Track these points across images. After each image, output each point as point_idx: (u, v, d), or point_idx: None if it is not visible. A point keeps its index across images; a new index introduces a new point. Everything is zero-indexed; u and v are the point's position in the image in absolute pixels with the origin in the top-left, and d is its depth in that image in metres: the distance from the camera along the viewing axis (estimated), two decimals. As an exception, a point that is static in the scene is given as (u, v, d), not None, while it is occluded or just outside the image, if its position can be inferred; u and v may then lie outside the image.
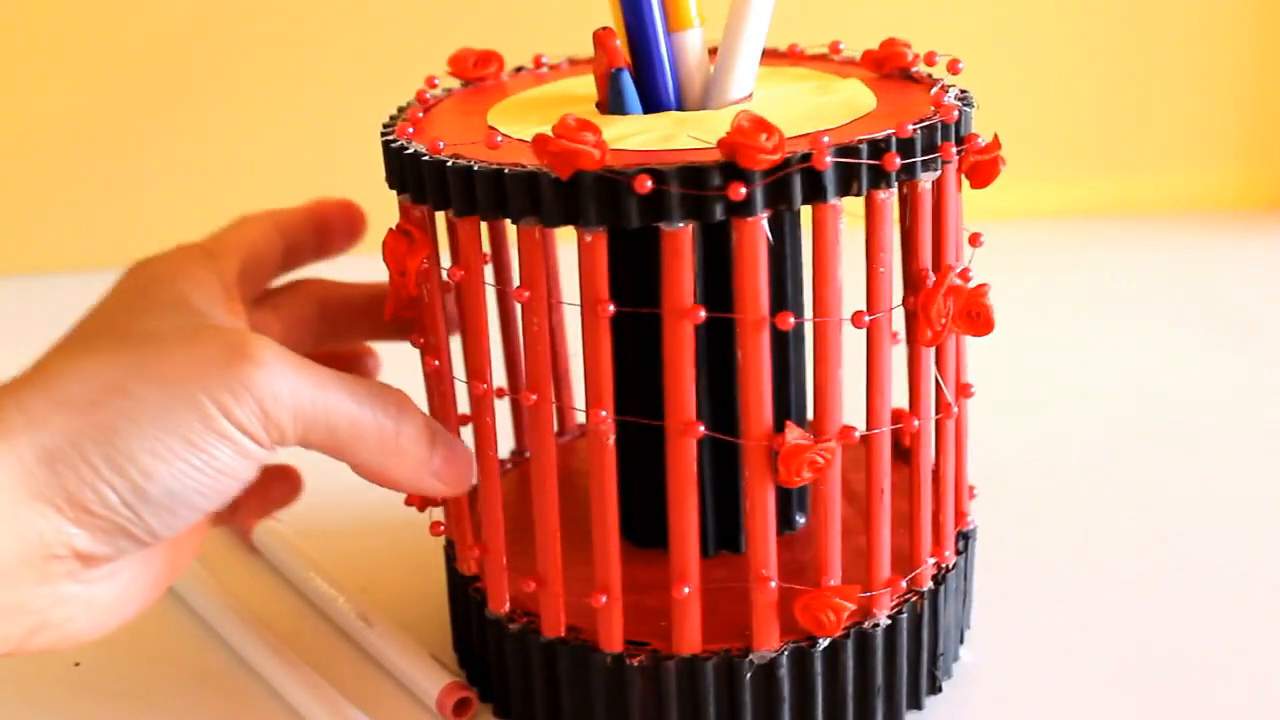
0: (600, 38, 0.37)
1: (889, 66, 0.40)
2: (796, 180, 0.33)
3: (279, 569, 0.48)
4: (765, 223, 0.33)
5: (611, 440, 0.35)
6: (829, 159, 0.32)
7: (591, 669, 0.37)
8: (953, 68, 0.38)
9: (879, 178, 0.34)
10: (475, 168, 0.34)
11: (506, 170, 0.33)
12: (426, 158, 0.35)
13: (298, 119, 0.80)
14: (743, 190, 0.32)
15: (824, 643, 0.37)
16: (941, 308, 0.36)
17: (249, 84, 0.80)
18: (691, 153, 0.34)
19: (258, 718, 0.41)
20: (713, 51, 0.39)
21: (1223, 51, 0.85)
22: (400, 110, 0.41)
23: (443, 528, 0.41)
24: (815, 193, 0.33)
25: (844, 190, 0.33)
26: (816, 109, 0.37)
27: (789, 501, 0.42)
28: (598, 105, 0.39)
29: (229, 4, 0.79)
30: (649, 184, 0.32)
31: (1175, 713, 0.40)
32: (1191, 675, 0.42)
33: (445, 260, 0.37)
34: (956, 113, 0.35)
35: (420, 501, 0.40)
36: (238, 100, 0.80)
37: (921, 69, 0.40)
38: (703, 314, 0.33)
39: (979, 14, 0.81)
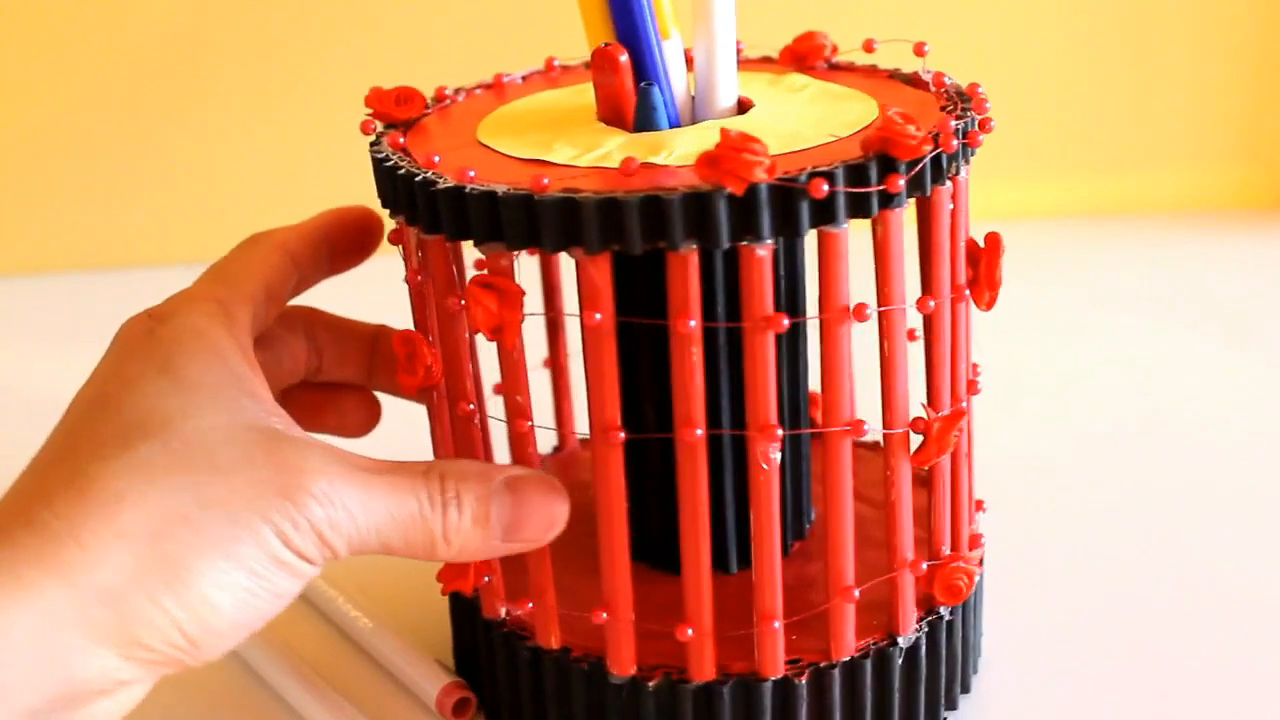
0: (610, 54, 0.36)
1: (810, 61, 0.41)
2: (928, 171, 0.34)
3: (279, 569, 0.48)
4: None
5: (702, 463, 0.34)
6: (955, 142, 0.34)
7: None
8: (918, 50, 0.38)
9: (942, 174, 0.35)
10: (621, 197, 0.32)
11: (675, 195, 0.31)
12: (550, 197, 0.32)
13: (298, 119, 0.80)
14: (901, 183, 0.32)
15: (906, 641, 0.37)
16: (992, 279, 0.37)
17: (250, 84, 0.80)
18: (815, 153, 0.34)
19: (258, 718, 0.41)
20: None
21: (1223, 51, 0.85)
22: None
23: None
24: (936, 178, 0.34)
25: (938, 180, 0.35)
26: (828, 116, 0.37)
27: (798, 518, 0.42)
28: (602, 120, 0.38)
29: (229, 4, 0.79)
30: (824, 188, 0.32)
31: (1189, 715, 0.40)
32: (1195, 671, 0.42)
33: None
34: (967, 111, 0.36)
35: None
36: (238, 100, 0.80)
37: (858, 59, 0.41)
38: (785, 322, 0.33)
39: (978, 14, 0.81)
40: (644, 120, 0.37)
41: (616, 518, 0.35)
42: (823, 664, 0.36)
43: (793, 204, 0.32)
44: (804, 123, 0.37)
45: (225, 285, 0.37)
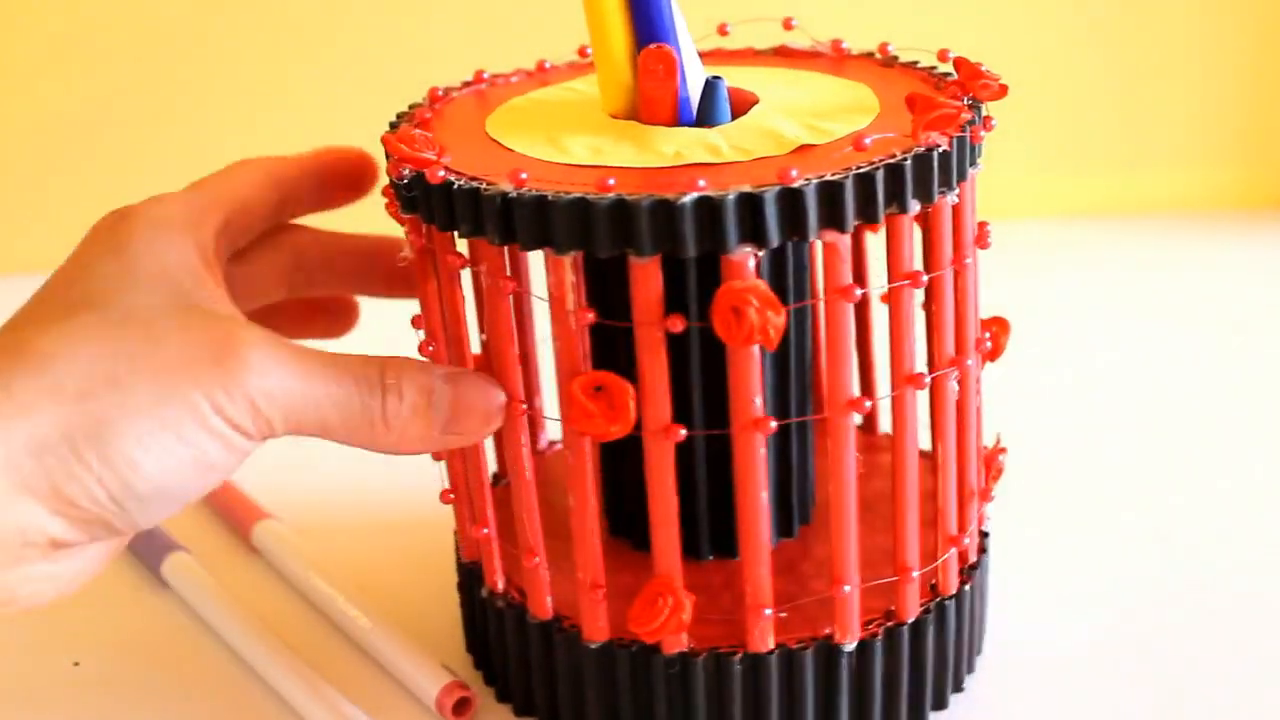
0: (667, 53, 0.36)
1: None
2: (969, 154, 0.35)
3: (279, 569, 0.48)
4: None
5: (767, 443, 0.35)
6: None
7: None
8: (883, 50, 0.40)
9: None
10: (736, 195, 0.32)
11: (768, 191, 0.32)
12: (650, 201, 0.32)
13: (298, 118, 0.80)
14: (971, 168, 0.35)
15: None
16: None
17: (250, 84, 0.80)
18: (851, 144, 0.34)
19: (258, 718, 0.41)
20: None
21: (1223, 51, 0.85)
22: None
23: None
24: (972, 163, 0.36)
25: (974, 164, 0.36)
26: (842, 107, 0.38)
27: (789, 507, 0.42)
28: (618, 116, 0.38)
29: (230, 4, 0.79)
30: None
31: (1193, 705, 0.40)
32: (1199, 669, 0.42)
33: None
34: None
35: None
36: (238, 100, 0.80)
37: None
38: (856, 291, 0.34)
39: (978, 14, 0.81)
40: (709, 114, 0.37)
41: (665, 509, 0.35)
42: (822, 640, 0.37)
43: (872, 193, 0.33)
44: (825, 112, 0.37)
45: (198, 191, 0.39)
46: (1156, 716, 0.40)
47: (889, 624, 0.38)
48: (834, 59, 0.42)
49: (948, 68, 0.39)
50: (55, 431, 0.31)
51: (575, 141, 0.36)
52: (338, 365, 0.34)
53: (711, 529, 0.41)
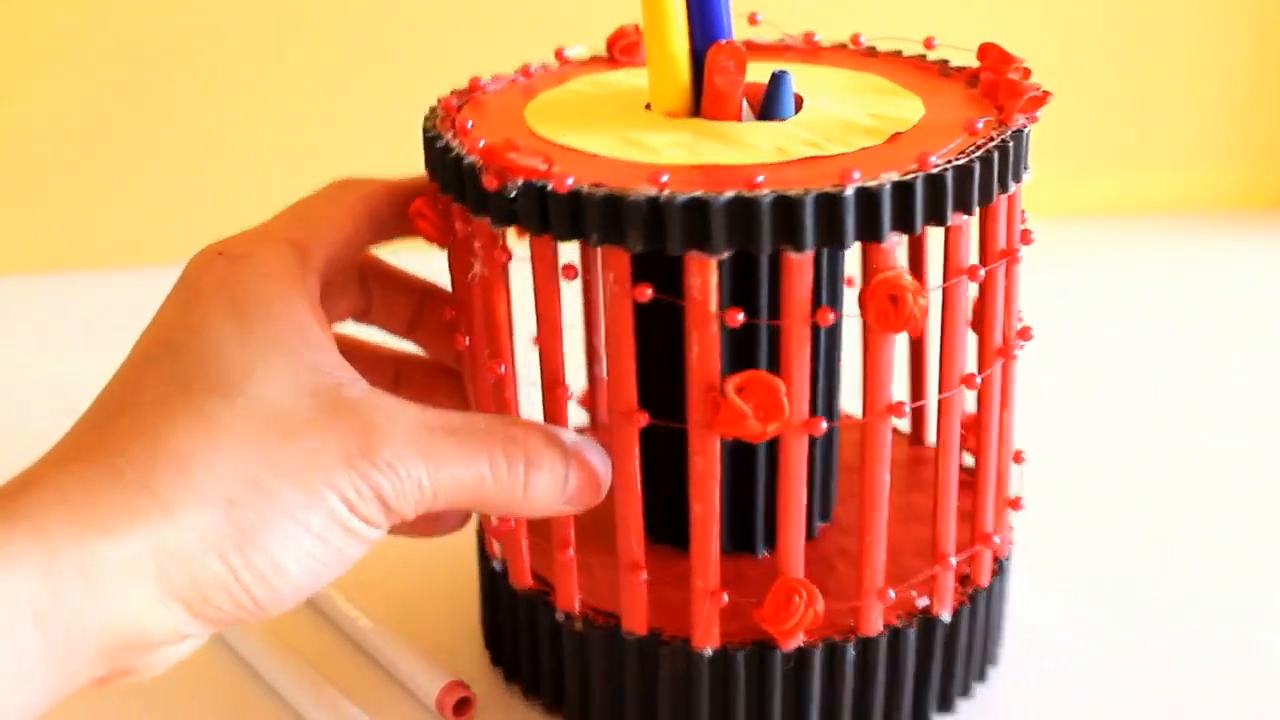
0: (737, 49, 0.36)
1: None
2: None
3: (279, 569, 0.48)
4: None
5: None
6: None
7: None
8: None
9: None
10: (853, 191, 0.32)
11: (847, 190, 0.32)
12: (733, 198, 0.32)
13: (299, 117, 0.80)
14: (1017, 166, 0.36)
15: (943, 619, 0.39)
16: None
17: (250, 83, 0.80)
18: (913, 143, 0.35)
19: (258, 718, 0.41)
20: None
21: (1223, 51, 0.85)
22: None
23: None
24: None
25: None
26: (877, 91, 0.38)
27: (811, 507, 0.42)
28: (669, 114, 0.37)
29: (230, 3, 0.79)
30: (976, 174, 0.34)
31: (1201, 701, 0.40)
32: (1201, 663, 0.42)
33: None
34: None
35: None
36: (239, 99, 0.80)
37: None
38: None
39: (978, 14, 0.81)
40: (776, 108, 0.37)
41: (708, 505, 0.35)
42: (840, 639, 0.37)
43: (989, 175, 0.34)
44: (869, 100, 0.37)
45: (304, 228, 0.37)
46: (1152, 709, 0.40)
47: (925, 615, 0.38)
48: (806, 50, 0.42)
49: (920, 49, 0.41)
50: (201, 539, 0.30)
51: (656, 140, 0.36)
52: (467, 444, 0.34)
53: (738, 523, 0.41)
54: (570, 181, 0.32)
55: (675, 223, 0.32)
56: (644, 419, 0.35)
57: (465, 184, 0.35)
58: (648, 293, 0.33)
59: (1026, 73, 0.38)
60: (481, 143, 0.34)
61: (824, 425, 0.34)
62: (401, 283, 0.43)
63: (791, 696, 0.38)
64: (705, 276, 0.33)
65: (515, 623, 0.41)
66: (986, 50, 0.39)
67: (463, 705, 0.40)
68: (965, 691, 0.41)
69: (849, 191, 0.32)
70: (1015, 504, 0.40)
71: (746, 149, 0.35)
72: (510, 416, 0.36)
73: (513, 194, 0.33)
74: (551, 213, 0.33)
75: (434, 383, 0.43)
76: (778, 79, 0.37)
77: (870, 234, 0.32)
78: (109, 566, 0.30)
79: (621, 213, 0.32)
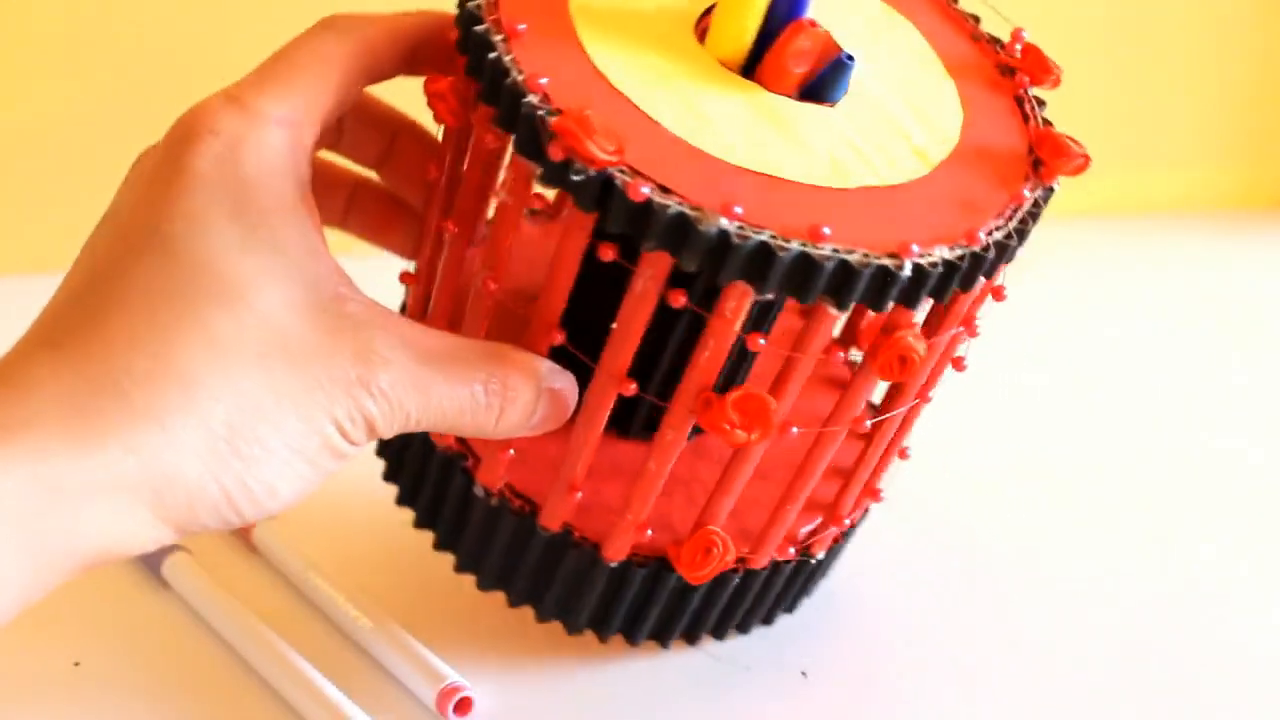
0: (819, 35, 0.36)
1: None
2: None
3: (279, 569, 0.48)
4: None
5: None
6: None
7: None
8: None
9: None
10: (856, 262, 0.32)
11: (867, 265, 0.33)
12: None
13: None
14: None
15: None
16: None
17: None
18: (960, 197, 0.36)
19: (258, 718, 0.41)
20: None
21: (1223, 51, 0.85)
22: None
23: None
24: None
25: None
26: (925, 72, 0.39)
27: None
28: (721, 61, 0.37)
29: (230, 3, 0.79)
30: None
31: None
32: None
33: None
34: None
35: None
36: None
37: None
38: None
39: (978, 13, 0.81)
40: (830, 91, 0.36)
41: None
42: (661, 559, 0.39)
43: (1008, 246, 0.35)
44: (917, 91, 0.38)
45: (297, 103, 0.34)
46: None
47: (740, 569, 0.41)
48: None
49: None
50: (201, 465, 0.31)
51: (717, 112, 0.35)
52: (456, 376, 0.34)
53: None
54: (646, 191, 0.32)
55: (737, 261, 0.32)
56: (632, 388, 0.35)
57: (518, 120, 0.33)
58: (681, 300, 0.34)
59: (1057, 81, 0.39)
60: (545, 80, 0.33)
61: (794, 430, 0.36)
62: (377, 117, 0.41)
63: (671, 607, 0.41)
64: (741, 304, 0.33)
65: (424, 469, 0.41)
66: (1028, 51, 0.40)
67: (463, 705, 0.40)
68: (791, 609, 0.44)
69: (906, 270, 0.33)
70: (876, 495, 0.43)
71: (801, 148, 0.35)
72: (493, 346, 0.35)
73: (579, 177, 0.32)
74: (613, 206, 0.32)
75: (388, 217, 0.42)
76: (839, 67, 0.36)
77: (908, 302, 0.34)
78: (103, 488, 0.29)
79: (688, 235, 0.32)
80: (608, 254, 0.34)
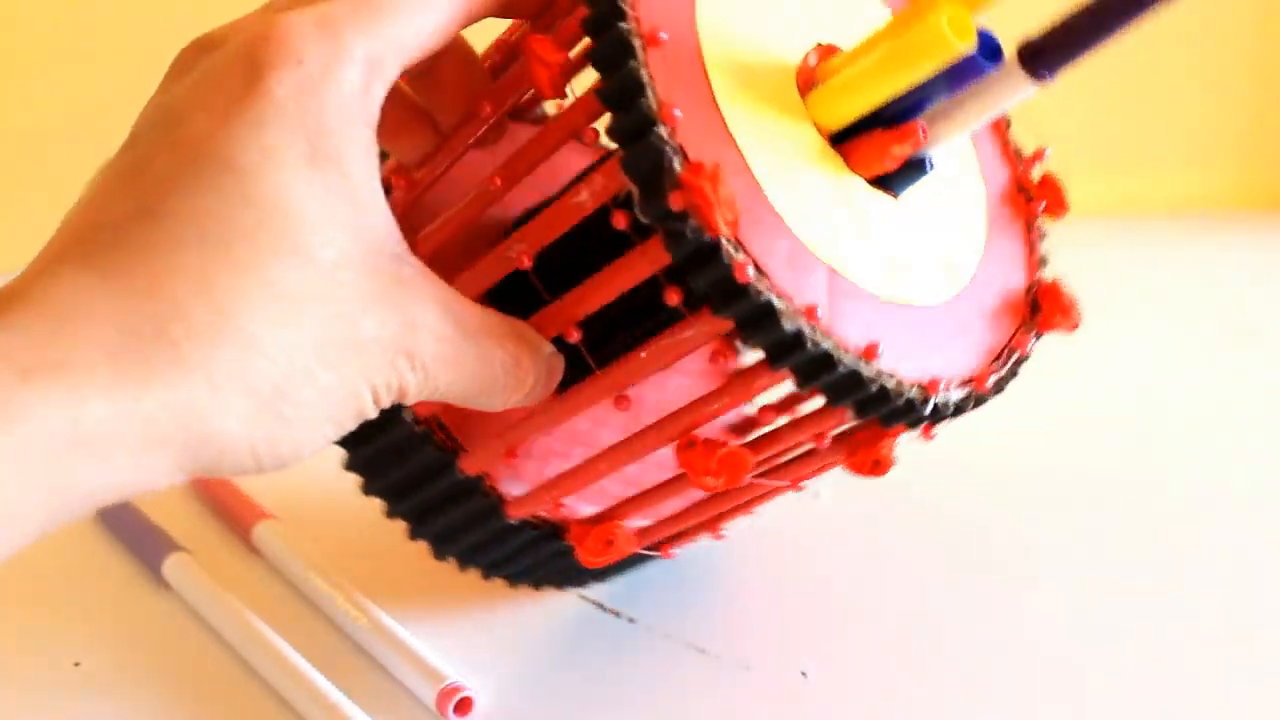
0: (915, 135, 0.36)
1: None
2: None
3: (279, 569, 0.48)
4: None
5: None
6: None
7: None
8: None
9: None
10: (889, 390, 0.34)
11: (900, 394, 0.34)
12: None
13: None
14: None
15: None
16: None
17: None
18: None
19: (258, 718, 0.41)
20: None
21: (1223, 51, 0.85)
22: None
23: None
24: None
25: None
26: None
27: None
28: (820, 128, 0.36)
29: (230, 3, 0.79)
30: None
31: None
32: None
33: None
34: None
35: None
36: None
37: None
38: None
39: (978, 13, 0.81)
40: (897, 185, 0.36)
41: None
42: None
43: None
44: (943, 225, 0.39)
45: (397, 34, 0.31)
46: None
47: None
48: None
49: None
50: (242, 428, 0.29)
51: (806, 182, 0.35)
52: (488, 356, 0.33)
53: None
54: (751, 273, 0.31)
55: (798, 355, 0.32)
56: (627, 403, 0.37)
57: (641, 146, 0.31)
58: (730, 361, 0.35)
59: (1064, 209, 0.42)
60: (679, 113, 0.31)
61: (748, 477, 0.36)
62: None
63: (543, 560, 0.42)
64: (774, 381, 0.34)
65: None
66: (1047, 181, 0.42)
67: (463, 705, 0.40)
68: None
69: (929, 406, 0.34)
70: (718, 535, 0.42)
71: (866, 242, 0.35)
72: (513, 323, 0.35)
73: (685, 231, 0.31)
74: (707, 271, 0.32)
75: (406, 122, 0.38)
76: (918, 168, 0.36)
77: (911, 424, 0.35)
78: (137, 439, 0.28)
79: (767, 324, 0.32)
80: (673, 298, 0.33)
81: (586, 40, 0.33)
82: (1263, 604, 0.46)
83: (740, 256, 0.31)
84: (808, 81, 0.36)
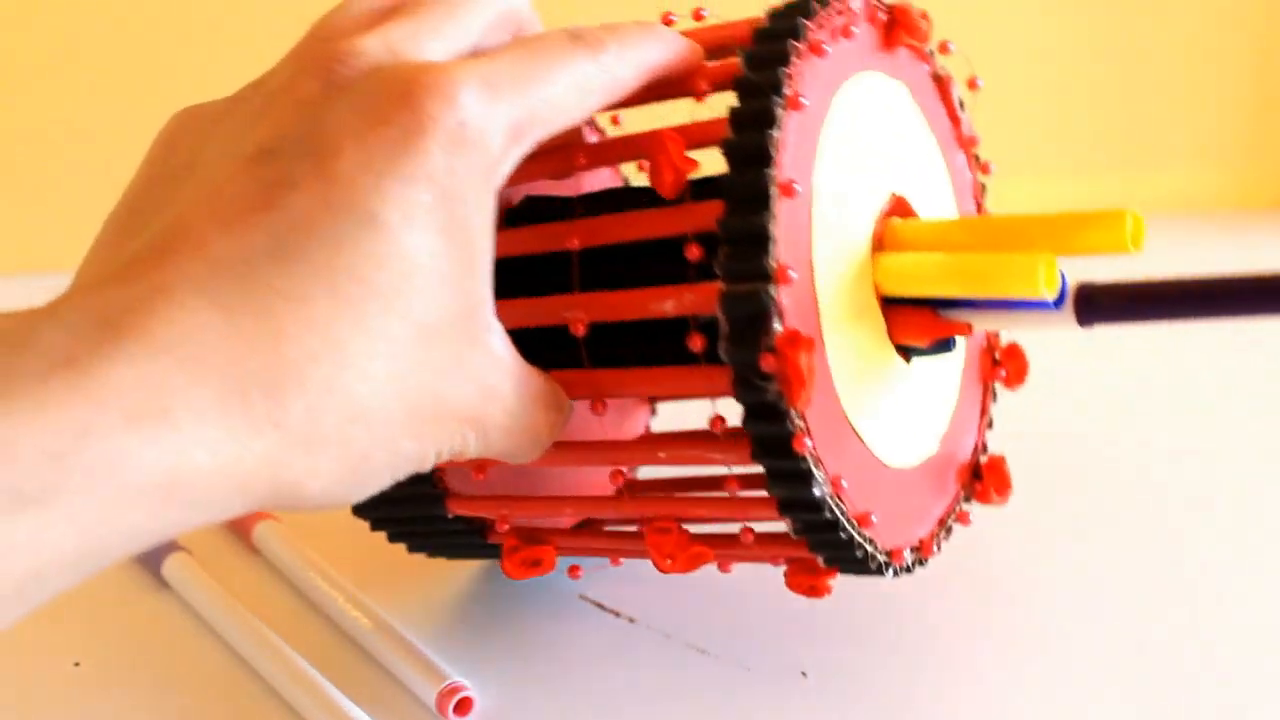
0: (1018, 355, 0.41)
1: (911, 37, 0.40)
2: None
3: (279, 569, 0.48)
4: None
5: None
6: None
7: None
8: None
9: None
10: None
11: None
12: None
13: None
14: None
15: None
16: None
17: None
18: None
19: (258, 718, 0.41)
20: None
21: (1223, 51, 0.85)
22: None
23: None
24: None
25: None
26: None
27: None
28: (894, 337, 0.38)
29: (230, 3, 0.79)
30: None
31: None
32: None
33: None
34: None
35: None
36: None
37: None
38: None
39: (979, 13, 0.81)
40: (918, 354, 0.38)
41: None
42: None
43: None
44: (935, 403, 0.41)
45: (543, 111, 0.31)
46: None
47: None
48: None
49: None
50: (322, 485, 0.28)
51: (863, 353, 0.36)
52: (544, 422, 0.33)
53: None
54: (808, 443, 0.33)
55: (810, 515, 0.34)
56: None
57: (739, 277, 0.32)
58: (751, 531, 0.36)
59: (1024, 380, 0.44)
60: (793, 274, 0.32)
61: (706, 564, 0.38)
62: None
63: (461, 545, 0.43)
64: (762, 496, 0.35)
65: None
66: (1012, 352, 0.43)
67: (463, 705, 0.40)
68: None
69: (890, 571, 0.36)
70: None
71: (884, 404, 0.37)
72: (556, 389, 0.34)
73: (765, 391, 0.32)
74: (769, 425, 0.32)
75: None
76: (947, 346, 0.38)
77: (860, 574, 0.37)
78: (228, 492, 0.27)
79: (796, 483, 0.33)
80: (697, 342, 0.33)
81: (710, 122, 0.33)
82: (1262, 604, 0.46)
83: (800, 424, 0.32)
84: (877, 237, 0.37)
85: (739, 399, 0.32)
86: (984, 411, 0.44)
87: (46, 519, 0.24)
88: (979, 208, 0.44)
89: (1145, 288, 0.33)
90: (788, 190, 0.32)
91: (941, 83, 0.42)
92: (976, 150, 0.43)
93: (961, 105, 0.42)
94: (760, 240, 0.31)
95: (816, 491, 0.33)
